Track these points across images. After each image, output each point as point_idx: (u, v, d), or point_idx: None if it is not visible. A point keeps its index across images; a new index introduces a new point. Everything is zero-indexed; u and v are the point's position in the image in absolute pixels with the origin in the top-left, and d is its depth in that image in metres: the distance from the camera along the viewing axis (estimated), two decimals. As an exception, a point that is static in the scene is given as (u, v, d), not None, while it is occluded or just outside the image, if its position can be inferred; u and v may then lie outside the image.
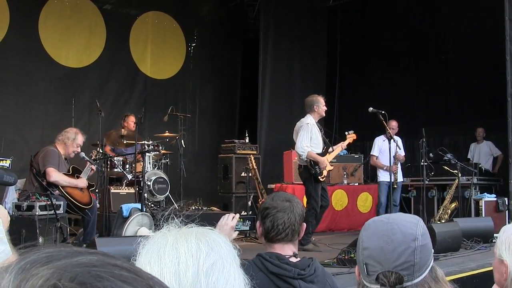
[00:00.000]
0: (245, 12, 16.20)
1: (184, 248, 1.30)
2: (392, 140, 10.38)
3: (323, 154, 9.25)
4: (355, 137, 10.12)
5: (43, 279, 0.68)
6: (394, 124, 11.09)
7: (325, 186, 9.53)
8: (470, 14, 13.44)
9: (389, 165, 10.48)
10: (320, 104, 9.33)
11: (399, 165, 11.11)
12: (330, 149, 9.53)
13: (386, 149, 10.77)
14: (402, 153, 11.15)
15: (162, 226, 1.43)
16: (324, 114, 9.54)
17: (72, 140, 8.26)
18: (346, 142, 9.98)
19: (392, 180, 10.67)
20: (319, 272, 2.99)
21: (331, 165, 9.62)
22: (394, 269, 1.81)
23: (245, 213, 11.19)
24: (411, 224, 1.89)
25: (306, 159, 9.06)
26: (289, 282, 2.87)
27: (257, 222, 3.14)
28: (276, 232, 3.03)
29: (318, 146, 9.24)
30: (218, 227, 3.23)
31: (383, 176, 11.18)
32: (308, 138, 9.10)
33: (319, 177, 9.07)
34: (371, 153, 11.52)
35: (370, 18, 15.74)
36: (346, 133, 10.10)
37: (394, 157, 10.59)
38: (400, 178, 11.08)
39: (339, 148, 9.78)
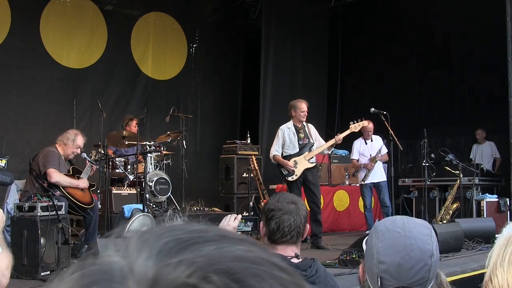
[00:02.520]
0: (246, 12, 16.20)
1: None
2: (370, 141, 10.57)
3: (298, 154, 9.67)
4: (364, 124, 10.17)
5: (190, 269, 0.59)
6: (370, 126, 11.03)
7: (313, 189, 9.80)
8: (472, 15, 13.43)
9: (370, 164, 10.68)
10: (298, 110, 9.75)
11: (381, 164, 11.06)
12: (314, 147, 9.83)
13: (366, 151, 10.85)
14: (384, 151, 11.05)
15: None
16: (302, 119, 9.83)
17: (72, 141, 8.24)
18: (343, 134, 10.07)
19: (383, 180, 10.77)
20: (321, 273, 2.98)
21: (311, 163, 9.78)
22: (409, 285, 1.82)
23: (247, 214, 11.20)
24: (426, 237, 1.89)
25: (274, 162, 9.91)
26: (290, 283, 2.86)
27: (261, 223, 3.13)
28: (282, 234, 3.02)
29: (292, 149, 9.74)
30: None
31: (365, 179, 11.12)
32: (279, 143, 9.83)
33: (288, 178, 9.63)
34: (351, 157, 11.39)
35: (372, 19, 15.74)
36: (351, 122, 10.13)
37: (372, 157, 10.69)
38: (383, 177, 11.00)
39: (325, 145, 9.87)
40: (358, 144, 11.15)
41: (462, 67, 14.22)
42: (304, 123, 9.92)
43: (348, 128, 10.15)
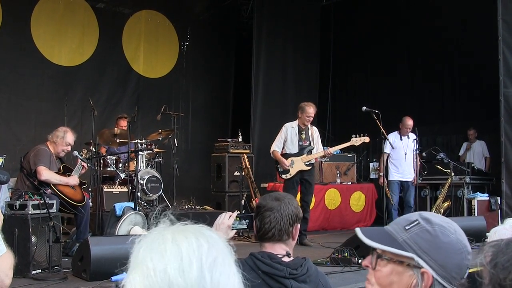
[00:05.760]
0: (238, 10, 16.19)
1: (185, 244, 1.30)
2: (406, 137, 10.63)
3: (297, 155, 9.94)
4: (365, 140, 10.22)
5: None
6: (410, 123, 11.20)
7: (307, 187, 10.04)
8: (464, 14, 13.46)
9: (400, 162, 10.77)
10: (304, 113, 10.00)
11: (411, 163, 11.10)
12: (314, 151, 10.05)
13: (398, 146, 10.93)
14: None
15: (154, 224, 1.42)
16: (306, 123, 10.07)
17: (61, 139, 8.21)
18: (337, 147, 10.44)
19: (411, 179, 10.83)
20: (312, 272, 2.97)
21: (307, 166, 9.96)
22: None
23: (238, 212, 11.19)
24: None
25: (273, 156, 10.18)
26: (280, 281, 2.84)
27: (254, 221, 3.12)
28: (263, 231, 3.01)
29: (291, 148, 10.01)
30: (214, 226, 3.22)
31: (394, 175, 11.25)
32: (281, 139, 10.09)
33: (282, 176, 9.96)
34: (384, 150, 11.37)
35: (364, 17, 15.75)
36: (354, 136, 10.19)
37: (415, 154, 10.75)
38: (411, 177, 11.09)
39: (317, 154, 10.07)
40: (392, 137, 11.20)
41: (453, 66, 14.24)
42: (309, 126, 10.13)
43: (349, 139, 10.25)
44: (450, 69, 14.41)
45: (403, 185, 11.26)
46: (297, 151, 9.93)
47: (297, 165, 9.86)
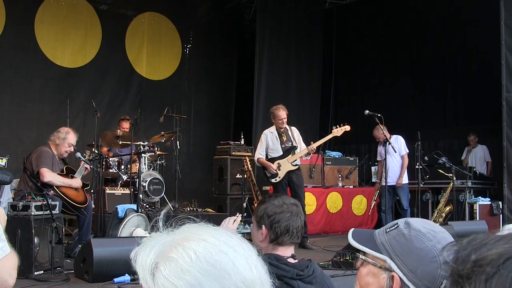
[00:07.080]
0: (241, 13, 16.22)
1: (243, 248, 1.32)
2: (388, 143, 10.58)
3: (282, 157, 10.01)
4: (347, 129, 10.21)
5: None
6: (374, 133, 11.22)
7: (297, 190, 10.03)
8: (466, 18, 13.46)
9: (382, 168, 10.82)
10: (276, 118, 10.09)
11: (396, 167, 11.11)
12: (297, 151, 10.09)
13: (382, 152, 10.98)
14: (402, 152, 11.19)
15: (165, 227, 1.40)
16: (281, 126, 10.14)
17: (63, 140, 8.19)
18: (321, 141, 10.40)
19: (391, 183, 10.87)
20: (318, 273, 2.99)
21: (293, 166, 10.03)
22: None
23: (242, 215, 11.18)
24: None
25: (258, 164, 10.31)
26: (288, 282, 2.85)
27: (263, 227, 3.09)
28: (291, 235, 3.04)
29: (275, 152, 10.10)
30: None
31: (382, 180, 11.33)
32: (263, 146, 10.17)
33: (272, 180, 10.04)
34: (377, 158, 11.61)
35: (366, 21, 15.76)
36: (334, 127, 10.22)
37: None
38: (390, 181, 11.08)
39: (302, 152, 10.06)
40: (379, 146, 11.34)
41: (455, 70, 14.24)
42: (287, 126, 10.19)
43: (330, 132, 10.26)
44: (452, 73, 14.40)
45: (393, 189, 11.26)
46: (282, 153, 10.01)
47: (284, 167, 9.94)
